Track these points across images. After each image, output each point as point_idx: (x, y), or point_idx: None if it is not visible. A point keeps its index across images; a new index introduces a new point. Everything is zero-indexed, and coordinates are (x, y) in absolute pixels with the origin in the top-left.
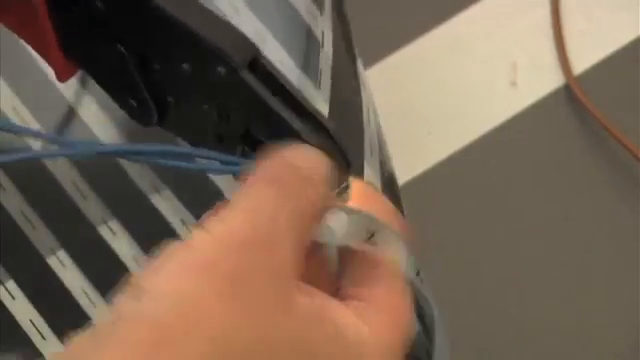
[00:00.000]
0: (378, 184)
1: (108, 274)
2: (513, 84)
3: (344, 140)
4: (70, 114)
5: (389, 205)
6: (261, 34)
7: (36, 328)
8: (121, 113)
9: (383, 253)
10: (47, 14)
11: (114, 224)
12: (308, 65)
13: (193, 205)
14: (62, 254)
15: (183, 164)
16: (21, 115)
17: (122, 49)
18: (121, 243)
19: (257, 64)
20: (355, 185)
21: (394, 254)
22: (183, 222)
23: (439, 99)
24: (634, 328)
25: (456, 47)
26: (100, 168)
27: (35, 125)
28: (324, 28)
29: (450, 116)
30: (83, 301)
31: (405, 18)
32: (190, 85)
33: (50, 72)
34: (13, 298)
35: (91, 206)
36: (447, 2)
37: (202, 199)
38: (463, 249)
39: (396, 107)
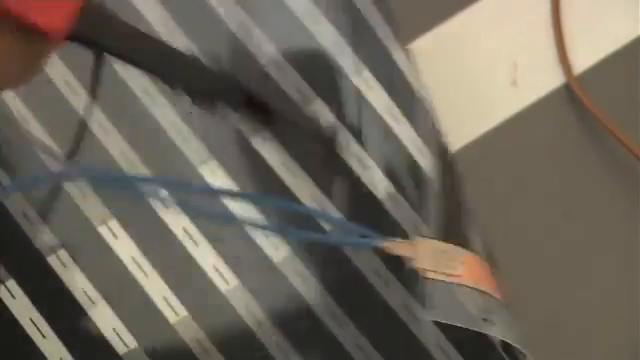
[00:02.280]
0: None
1: (108, 274)
2: (513, 83)
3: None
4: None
5: (494, 278)
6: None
7: (36, 326)
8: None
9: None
10: None
11: (114, 224)
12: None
13: (191, 207)
14: (62, 253)
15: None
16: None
17: None
18: (120, 244)
19: None
20: (467, 259)
21: (503, 333)
22: (182, 225)
23: (439, 98)
24: (634, 327)
25: (456, 46)
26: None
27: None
28: None
29: (450, 115)
30: (83, 300)
31: (404, 17)
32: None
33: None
34: (13, 297)
35: (91, 206)
36: (447, 1)
37: (200, 201)
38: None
39: None
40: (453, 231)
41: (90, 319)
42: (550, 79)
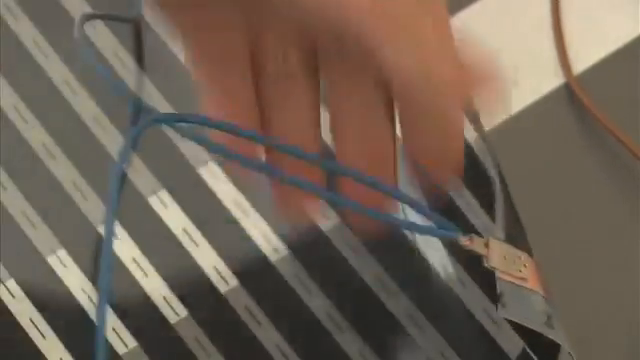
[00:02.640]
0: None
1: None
2: (513, 83)
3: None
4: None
5: (545, 284)
6: None
7: (36, 327)
8: None
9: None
10: None
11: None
12: None
13: (191, 207)
14: (62, 253)
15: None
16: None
17: None
18: (120, 244)
19: None
20: (532, 264)
21: (562, 339)
22: (182, 225)
23: None
24: (634, 328)
25: None
26: (100, 169)
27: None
28: None
29: None
30: (83, 300)
31: None
32: None
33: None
34: (13, 297)
35: (91, 206)
36: (446, 1)
37: (200, 202)
38: None
39: None
40: (514, 235)
41: (90, 319)
42: (550, 79)
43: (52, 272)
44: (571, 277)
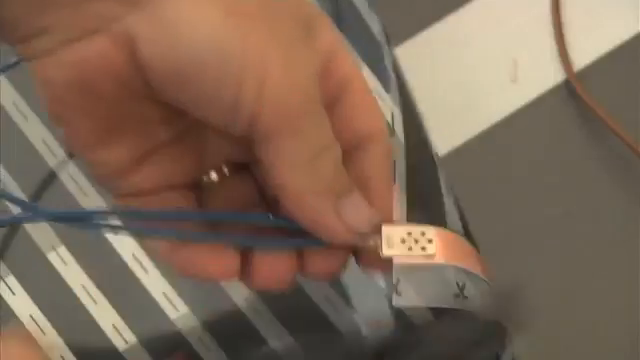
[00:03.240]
0: (458, 224)
1: (108, 271)
2: (514, 80)
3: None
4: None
5: (472, 251)
6: None
7: (36, 323)
8: None
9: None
10: None
11: (114, 222)
12: None
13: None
14: (63, 250)
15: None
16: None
17: None
18: (122, 240)
19: None
20: (439, 236)
21: (482, 305)
22: None
23: (439, 96)
24: (634, 327)
25: (456, 43)
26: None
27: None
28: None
29: (450, 113)
30: (83, 297)
31: (404, 14)
32: None
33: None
34: (13, 294)
35: (92, 204)
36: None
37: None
38: None
39: None
40: (427, 207)
41: (90, 315)
42: (550, 76)
43: (52, 268)
44: (571, 275)
